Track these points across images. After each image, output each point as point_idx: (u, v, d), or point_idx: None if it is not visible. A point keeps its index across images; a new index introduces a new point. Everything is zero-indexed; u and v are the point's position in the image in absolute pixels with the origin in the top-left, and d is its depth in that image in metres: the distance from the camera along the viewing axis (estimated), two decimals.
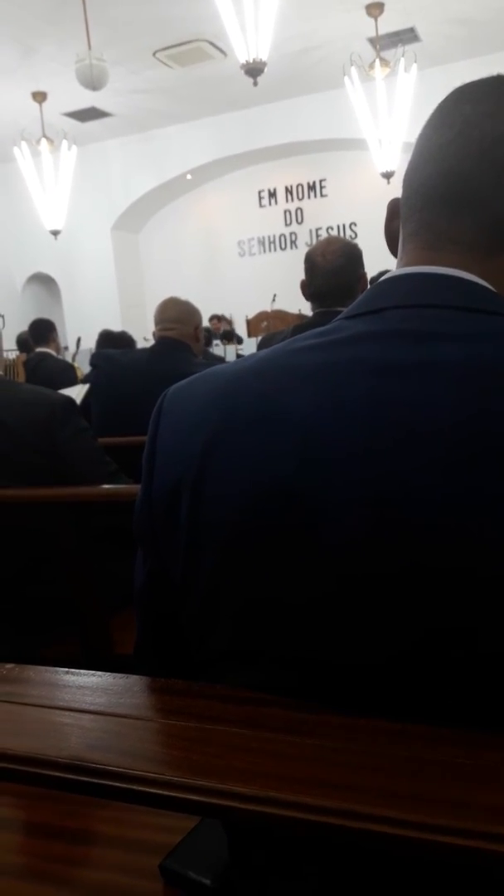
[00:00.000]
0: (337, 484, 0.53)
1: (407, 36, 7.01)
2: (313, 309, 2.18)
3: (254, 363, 0.63)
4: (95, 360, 2.84)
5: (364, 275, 2.11)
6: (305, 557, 0.55)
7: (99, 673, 0.63)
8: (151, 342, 2.77)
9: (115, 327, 6.12)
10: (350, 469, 0.53)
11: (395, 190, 0.71)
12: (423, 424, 0.52)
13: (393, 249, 0.72)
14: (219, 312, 9.19)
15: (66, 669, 0.64)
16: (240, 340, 8.09)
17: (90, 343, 6.21)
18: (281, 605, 0.56)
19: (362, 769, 0.48)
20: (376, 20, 6.45)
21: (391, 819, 0.43)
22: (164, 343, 2.59)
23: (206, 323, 8.69)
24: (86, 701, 0.59)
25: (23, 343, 5.69)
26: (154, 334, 2.70)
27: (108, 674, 0.63)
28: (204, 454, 0.60)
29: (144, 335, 7.96)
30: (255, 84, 5.30)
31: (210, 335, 7.81)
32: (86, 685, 0.61)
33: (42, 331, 5.12)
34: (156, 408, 0.67)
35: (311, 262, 2.13)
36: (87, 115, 8.64)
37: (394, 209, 0.71)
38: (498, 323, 0.58)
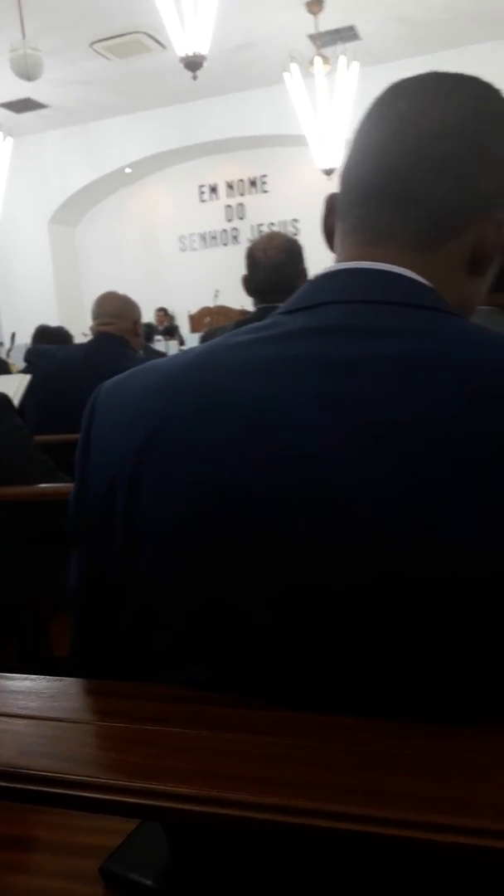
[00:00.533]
0: (280, 482, 0.53)
1: (347, 34, 7.07)
2: (255, 304, 2.19)
3: (192, 358, 0.63)
4: (30, 356, 2.77)
5: (304, 271, 2.13)
6: (246, 555, 0.54)
7: (33, 676, 0.62)
8: (90, 337, 2.72)
9: (52, 322, 6.01)
10: (293, 466, 0.53)
11: (336, 186, 0.71)
12: (366, 420, 0.52)
13: (331, 245, 0.72)
14: (162, 307, 9.15)
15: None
16: (181, 341, 8.05)
17: (25, 338, 6.08)
18: (219, 603, 0.56)
19: (299, 764, 0.48)
20: (316, 17, 6.49)
21: (328, 812, 0.44)
22: (102, 338, 2.55)
23: (151, 316, 8.65)
24: (19, 705, 0.57)
25: None
26: (92, 329, 2.66)
27: (43, 677, 0.62)
28: (140, 451, 0.59)
29: (83, 330, 7.83)
30: (195, 78, 5.27)
31: (152, 330, 7.75)
32: (19, 689, 0.60)
33: None
34: (89, 404, 0.66)
35: (252, 257, 2.14)
36: (22, 106, 8.46)
37: (331, 205, 0.71)
38: (431, 318, 0.59)
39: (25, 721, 0.55)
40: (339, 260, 0.67)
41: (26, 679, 0.61)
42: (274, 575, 0.53)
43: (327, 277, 0.65)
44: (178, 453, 0.57)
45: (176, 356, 0.65)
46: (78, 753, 0.51)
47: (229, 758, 0.49)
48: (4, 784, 0.49)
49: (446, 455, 0.50)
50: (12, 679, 0.62)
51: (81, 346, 2.80)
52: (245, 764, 0.48)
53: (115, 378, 0.67)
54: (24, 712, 0.56)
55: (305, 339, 0.58)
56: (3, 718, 0.56)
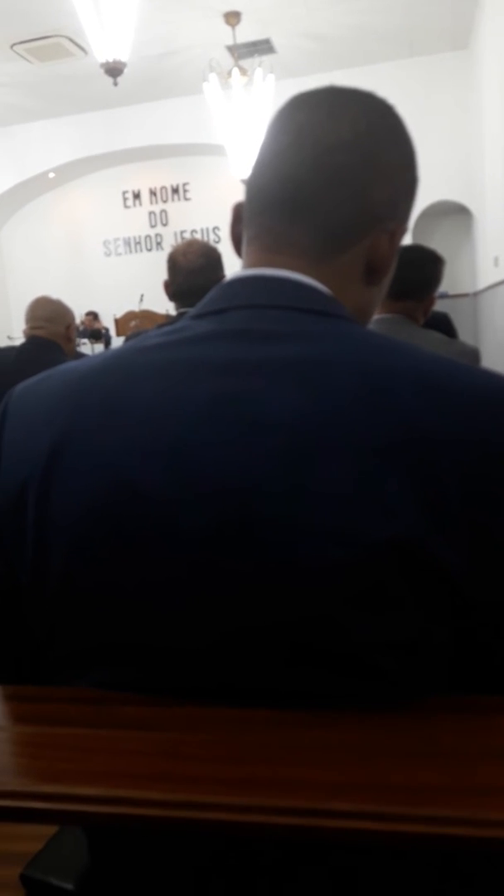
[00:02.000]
0: (180, 478, 0.54)
1: (263, 46, 7.13)
2: (176, 308, 2.20)
3: (102, 361, 0.64)
4: None
5: (223, 277, 2.14)
6: (151, 555, 0.55)
7: None
8: (15, 341, 2.69)
9: None
10: (192, 463, 0.54)
11: None
12: (261, 419, 0.54)
13: (238, 251, 0.74)
14: (85, 311, 9.02)
15: None
16: (108, 344, 7.96)
17: None
18: (127, 602, 0.57)
19: (208, 760, 0.49)
20: (234, 29, 6.52)
21: (236, 806, 0.45)
22: (34, 342, 2.54)
23: (79, 319, 8.50)
24: None
25: None
26: (24, 332, 2.63)
27: None
28: (51, 453, 0.59)
29: (8, 334, 7.69)
30: (116, 84, 5.22)
31: (79, 334, 7.64)
32: None
33: None
34: (1, 406, 0.66)
35: (172, 261, 2.16)
36: None
37: (237, 213, 0.73)
38: (327, 324, 0.61)
39: None
40: (244, 266, 0.69)
41: None
42: (177, 571, 0.55)
43: (233, 284, 0.66)
44: (84, 456, 0.58)
45: (89, 358, 0.66)
46: None
47: (138, 757, 0.50)
48: None
49: (330, 455, 0.52)
50: None
51: (12, 349, 2.76)
52: (154, 762, 0.49)
53: (27, 381, 0.67)
54: None
55: (208, 343, 0.60)
56: None
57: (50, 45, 6.79)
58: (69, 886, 0.75)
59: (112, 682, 0.58)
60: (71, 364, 0.66)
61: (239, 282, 0.66)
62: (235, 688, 0.55)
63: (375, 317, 1.21)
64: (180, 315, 2.15)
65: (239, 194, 0.73)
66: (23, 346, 2.57)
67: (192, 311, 0.67)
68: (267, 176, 0.68)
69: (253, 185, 0.70)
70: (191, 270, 2.09)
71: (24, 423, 0.63)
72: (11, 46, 6.79)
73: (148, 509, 0.55)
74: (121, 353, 0.64)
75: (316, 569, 0.52)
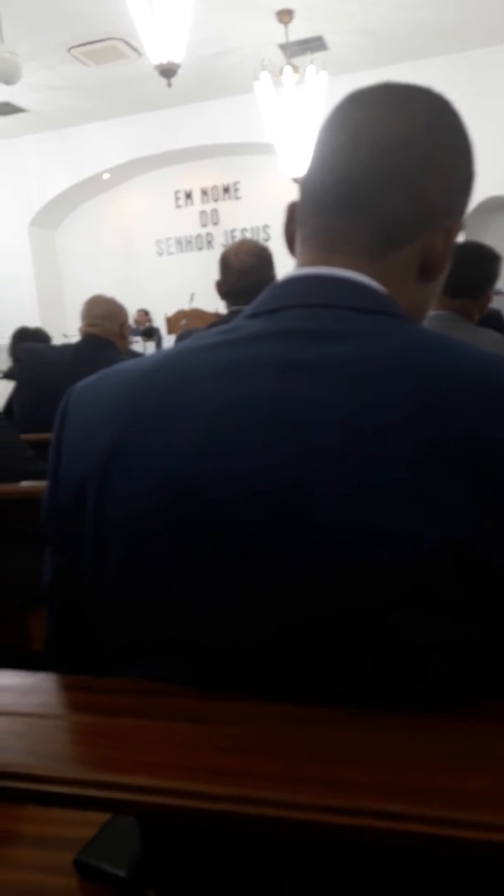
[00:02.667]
0: (236, 480, 0.55)
1: (315, 44, 7.09)
2: (227, 307, 2.21)
3: (158, 361, 0.64)
4: (20, 353, 2.80)
5: (273, 277, 2.16)
6: (206, 553, 0.56)
7: (5, 672, 0.62)
8: (70, 339, 2.75)
9: (33, 324, 5.94)
10: (249, 464, 0.55)
11: None
12: (316, 419, 0.54)
13: (292, 251, 0.74)
14: (143, 308, 9.14)
15: None
16: (159, 343, 8.03)
17: (4, 340, 6.03)
18: (182, 600, 0.58)
19: (263, 755, 0.49)
20: (286, 27, 6.50)
21: (290, 803, 0.45)
22: (89, 339, 2.59)
23: (132, 317, 8.60)
24: None
25: None
26: (80, 330, 2.69)
27: (15, 672, 0.62)
28: (108, 452, 0.60)
29: (63, 332, 7.81)
30: (170, 85, 5.26)
31: (131, 332, 7.71)
32: None
33: None
34: (61, 406, 0.67)
35: (224, 261, 2.17)
36: (1, 109, 8.40)
37: (292, 212, 0.73)
38: (385, 323, 0.61)
39: None
40: (298, 266, 0.69)
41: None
42: (230, 570, 0.55)
43: (287, 283, 0.67)
44: (142, 455, 0.59)
45: (145, 358, 0.67)
46: (46, 749, 0.53)
47: (192, 750, 0.51)
48: None
49: (386, 456, 0.52)
50: None
51: (69, 346, 2.83)
52: (209, 756, 0.50)
53: (87, 380, 0.68)
54: None
55: (264, 342, 0.60)
56: None
57: (105, 47, 6.87)
58: (121, 873, 0.77)
59: (165, 675, 0.59)
60: (128, 363, 0.67)
61: (294, 281, 0.67)
62: (285, 686, 0.56)
63: (430, 314, 1.20)
64: (231, 314, 2.16)
65: (289, 193, 0.73)
66: (78, 344, 2.62)
67: (246, 310, 0.67)
68: (323, 175, 0.68)
69: (308, 185, 0.70)
70: (242, 270, 2.10)
71: (83, 422, 0.64)
72: (68, 50, 6.90)
73: (203, 508, 0.56)
74: (176, 352, 0.64)
75: (369, 569, 0.52)
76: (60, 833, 0.88)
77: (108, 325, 2.60)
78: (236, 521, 0.55)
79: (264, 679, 0.57)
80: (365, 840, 0.45)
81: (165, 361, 0.64)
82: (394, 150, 0.65)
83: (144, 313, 9.16)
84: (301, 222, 0.71)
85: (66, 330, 8.02)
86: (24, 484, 1.59)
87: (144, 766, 0.49)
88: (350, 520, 0.52)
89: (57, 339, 5.54)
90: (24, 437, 1.84)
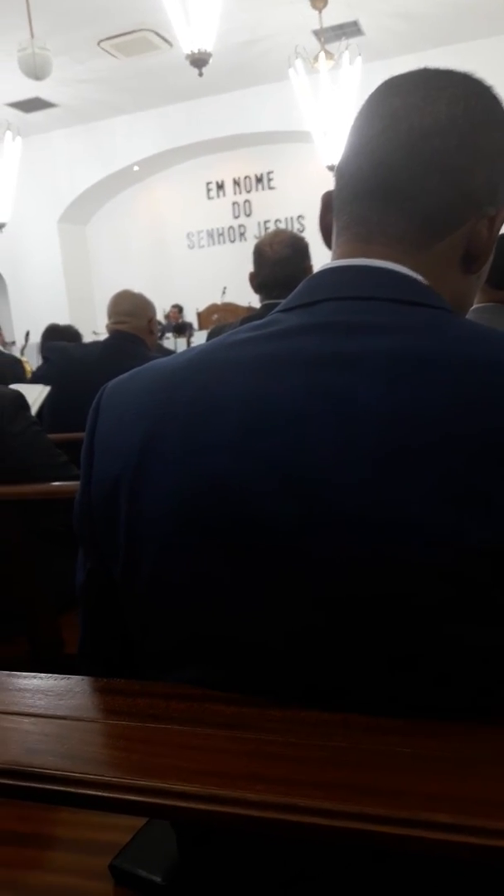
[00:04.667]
0: (270, 476, 0.54)
1: (350, 29, 7.04)
2: (261, 300, 2.19)
3: (191, 357, 0.63)
4: (48, 352, 2.80)
5: (310, 267, 2.13)
6: (241, 549, 0.55)
7: (40, 675, 0.62)
8: (100, 336, 2.74)
9: (63, 321, 6.02)
10: (282, 461, 0.53)
11: None
12: (353, 415, 0.53)
13: (328, 242, 0.72)
14: (169, 305, 9.15)
15: (7, 672, 0.63)
16: (191, 338, 8.05)
17: (36, 338, 6.11)
18: (216, 597, 0.56)
19: (303, 762, 0.48)
20: (320, 13, 6.46)
21: (331, 811, 0.44)
22: (117, 336, 2.56)
23: (163, 313, 8.65)
24: (26, 703, 0.58)
25: None
26: (107, 328, 2.67)
27: (50, 675, 0.62)
28: (142, 450, 0.59)
29: (93, 329, 7.87)
30: (201, 75, 5.26)
31: (163, 328, 7.75)
32: (26, 687, 0.61)
33: None
34: (94, 403, 0.66)
35: (258, 252, 2.14)
36: (31, 105, 8.47)
37: (327, 202, 0.71)
38: (427, 314, 0.59)
39: (31, 719, 0.56)
40: (334, 257, 0.68)
41: (34, 677, 0.62)
42: (270, 572, 0.54)
43: (323, 275, 0.65)
44: (175, 453, 0.58)
45: (178, 355, 0.66)
46: (82, 752, 0.52)
47: (232, 756, 0.49)
48: (9, 782, 0.49)
49: (427, 451, 0.50)
50: (20, 677, 0.62)
51: (97, 344, 2.82)
52: (247, 762, 0.49)
53: (119, 378, 0.67)
54: (30, 710, 0.57)
55: (299, 336, 0.59)
56: (9, 717, 0.56)
57: (135, 39, 6.90)
58: (157, 879, 0.76)
59: (201, 680, 0.58)
60: (160, 360, 0.66)
61: (330, 273, 0.65)
62: (324, 690, 0.54)
63: (474, 306, 1.16)
64: (265, 307, 2.13)
65: (324, 181, 0.71)
66: (107, 342, 2.61)
67: (281, 304, 0.65)
68: (359, 163, 0.66)
69: (344, 173, 0.68)
70: (277, 261, 2.07)
71: (117, 419, 0.63)
72: (98, 43, 6.94)
73: (237, 504, 0.54)
74: (210, 348, 0.63)
75: (411, 569, 0.50)
76: (95, 837, 0.88)
77: (136, 322, 2.57)
78: (272, 517, 0.53)
79: (302, 683, 0.55)
80: (413, 851, 0.44)
81: (198, 358, 0.62)
82: (432, 136, 0.62)
83: (178, 310, 9.17)
84: (337, 212, 0.69)
85: (95, 327, 8.09)
86: (55, 483, 1.59)
87: (182, 772, 0.48)
88: (391, 517, 0.50)
89: (87, 336, 5.58)
90: (53, 436, 1.84)
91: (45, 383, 2.62)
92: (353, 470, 0.51)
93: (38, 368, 3.00)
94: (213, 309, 8.29)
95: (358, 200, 0.66)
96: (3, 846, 0.94)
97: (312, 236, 2.41)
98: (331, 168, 7.20)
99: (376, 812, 0.43)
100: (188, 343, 7.63)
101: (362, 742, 0.49)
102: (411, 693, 0.53)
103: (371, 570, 0.51)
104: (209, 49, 5.00)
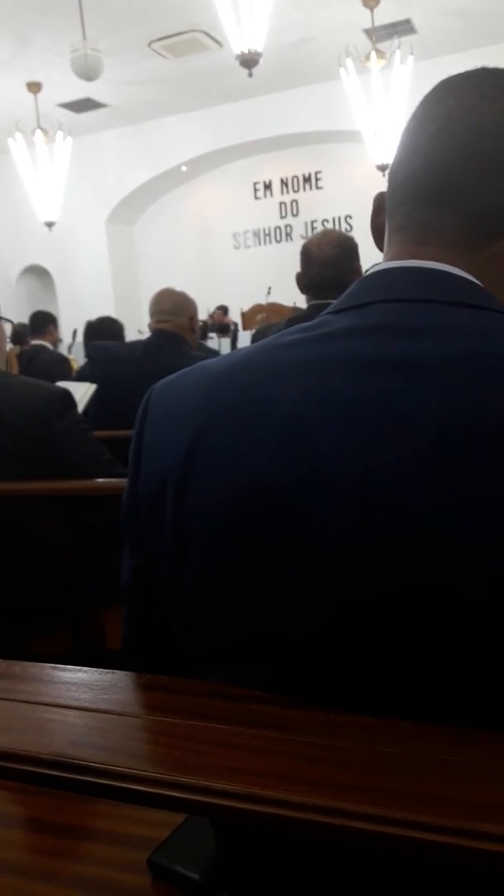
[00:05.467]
0: (320, 481, 0.53)
1: (403, 27, 6.98)
2: (308, 301, 2.17)
3: (240, 358, 0.63)
4: (92, 352, 2.84)
5: (359, 268, 2.10)
6: (286, 555, 0.54)
7: (85, 668, 0.63)
8: (145, 335, 2.76)
9: None
10: (333, 465, 0.53)
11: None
12: (406, 420, 0.52)
13: (379, 244, 0.71)
14: (214, 305, 9.18)
15: (53, 665, 0.64)
16: (235, 337, 8.07)
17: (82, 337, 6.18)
18: (260, 603, 0.56)
19: (347, 766, 0.48)
20: (372, 11, 6.42)
21: (373, 816, 0.43)
22: (159, 335, 2.57)
23: (206, 314, 8.67)
24: (71, 697, 0.59)
25: (17, 336, 5.65)
26: (149, 326, 2.68)
27: (94, 669, 0.63)
28: (189, 451, 0.59)
29: (139, 327, 7.93)
30: (251, 75, 5.28)
31: (206, 327, 7.77)
32: (71, 681, 0.61)
33: (40, 323, 5.08)
34: (142, 403, 0.67)
35: (306, 252, 2.13)
36: (82, 105, 8.60)
37: (379, 203, 0.71)
38: (482, 317, 0.58)
39: (76, 712, 0.56)
40: (386, 258, 0.67)
41: (79, 671, 0.63)
42: (313, 575, 0.53)
43: (376, 276, 0.64)
44: (222, 455, 0.58)
45: (226, 356, 0.66)
46: (125, 746, 0.52)
47: (274, 756, 0.49)
48: (54, 773, 0.50)
49: (485, 458, 0.49)
50: (66, 670, 0.63)
51: (139, 343, 2.85)
52: (290, 763, 0.48)
53: (168, 378, 0.68)
54: (75, 703, 0.57)
55: (350, 339, 0.58)
56: (55, 709, 0.57)
57: (186, 40, 6.95)
58: (195, 876, 0.76)
59: (243, 680, 0.58)
60: (210, 361, 0.66)
61: (382, 274, 0.64)
62: (369, 694, 0.54)
63: None
64: (312, 308, 2.12)
65: (373, 181, 0.71)
66: (148, 340, 2.62)
67: (331, 305, 0.65)
68: (413, 164, 0.65)
69: (397, 174, 0.67)
70: (325, 262, 2.06)
71: (164, 419, 0.64)
72: (149, 44, 7.00)
73: (280, 509, 0.54)
74: (258, 349, 0.63)
75: (465, 577, 0.49)
76: (133, 831, 0.88)
77: (177, 320, 2.57)
78: (319, 522, 0.53)
79: (346, 686, 0.55)
80: (458, 861, 0.43)
81: (247, 359, 0.62)
82: (488, 136, 0.61)
83: (223, 312, 9.17)
84: (390, 214, 0.68)
85: (141, 326, 8.14)
86: (101, 480, 1.61)
87: (225, 771, 0.48)
88: (444, 526, 0.49)
89: (132, 335, 5.62)
90: (97, 433, 1.86)
91: (90, 382, 2.66)
92: (405, 478, 0.50)
93: (82, 368, 3.04)
94: (257, 309, 8.30)
95: (412, 202, 0.65)
96: (41, 836, 0.95)
97: (360, 237, 2.39)
98: (381, 168, 7.16)
99: (421, 819, 0.42)
100: (232, 343, 7.64)
101: (407, 748, 0.49)
102: (463, 696, 0.52)
103: (424, 574, 0.50)
104: (259, 49, 5.01)
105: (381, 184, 0.70)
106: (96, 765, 0.50)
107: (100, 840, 0.91)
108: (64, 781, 0.50)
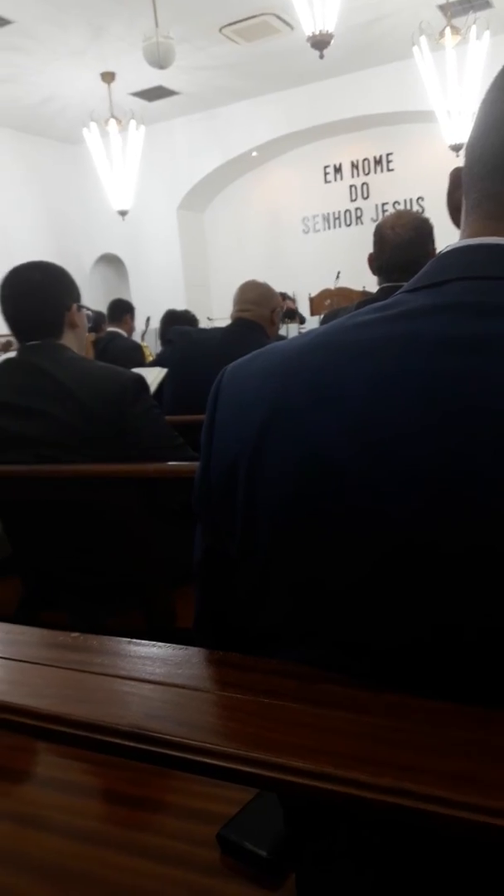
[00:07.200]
0: (393, 462, 0.52)
1: (479, 2, 6.75)
2: (380, 283, 2.14)
3: (312, 339, 0.63)
4: (171, 335, 2.92)
5: (433, 251, 2.06)
6: (357, 537, 0.54)
7: (159, 644, 0.64)
8: (214, 322, 2.84)
9: (180, 307, 6.14)
10: (407, 447, 0.52)
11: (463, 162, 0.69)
12: (483, 400, 0.51)
13: (456, 220, 0.70)
14: (282, 291, 9.12)
15: (129, 639, 0.66)
16: (302, 320, 8.02)
17: (155, 324, 6.27)
18: (331, 585, 0.56)
19: (418, 749, 0.47)
20: None
21: (444, 800, 0.43)
22: (239, 323, 2.67)
23: None
24: (146, 671, 0.60)
25: (94, 323, 5.78)
26: (232, 315, 2.78)
27: (168, 645, 0.64)
28: (260, 432, 0.59)
29: (208, 315, 7.97)
30: (322, 57, 5.21)
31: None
32: (146, 655, 0.63)
33: (118, 311, 5.22)
34: (214, 385, 0.67)
35: (380, 234, 2.09)
36: (154, 94, 8.66)
37: (456, 179, 0.69)
38: None
39: (151, 686, 0.58)
40: (464, 236, 0.65)
41: (153, 646, 0.64)
42: (383, 558, 0.53)
43: (452, 254, 0.63)
44: (293, 435, 0.57)
45: (299, 337, 0.66)
46: (199, 721, 0.53)
47: (344, 736, 0.49)
48: (131, 744, 0.51)
49: None
50: (141, 645, 0.64)
51: (218, 329, 2.93)
52: (360, 744, 0.48)
53: (239, 360, 0.68)
54: (150, 677, 0.59)
55: (427, 317, 0.57)
56: (131, 682, 0.58)
57: (257, 24, 6.90)
58: (263, 853, 0.77)
59: (310, 660, 0.58)
60: (281, 343, 0.66)
61: (458, 252, 0.62)
62: (440, 683, 0.53)
63: None
64: (383, 290, 2.09)
65: (446, 162, 0.69)
66: (228, 328, 2.71)
67: (406, 284, 0.64)
68: (490, 138, 0.63)
69: (474, 150, 0.65)
70: (398, 244, 2.02)
71: (236, 401, 0.64)
72: (220, 30, 6.98)
73: (351, 492, 0.54)
74: (332, 330, 0.62)
75: None
76: (204, 806, 0.90)
77: (260, 311, 2.68)
78: (392, 505, 0.52)
79: (417, 673, 0.54)
80: None
81: (319, 339, 0.62)
82: None
83: (283, 297, 9.10)
84: (466, 190, 0.66)
85: (210, 313, 8.19)
86: (173, 463, 1.64)
87: (296, 749, 0.48)
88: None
89: (201, 322, 5.67)
90: (172, 418, 1.90)
91: (168, 366, 2.72)
92: (482, 461, 0.49)
93: (162, 351, 3.10)
94: (325, 294, 8.20)
95: (490, 177, 0.63)
96: (115, 806, 0.98)
97: (432, 218, 2.35)
98: (454, 148, 6.96)
99: (495, 805, 0.42)
100: (299, 329, 7.60)
101: (478, 732, 0.48)
102: None
103: (497, 549, 0.49)
104: (331, 30, 4.94)
105: (453, 164, 0.68)
106: (173, 738, 0.50)
107: (171, 813, 0.93)
108: (142, 753, 0.51)
